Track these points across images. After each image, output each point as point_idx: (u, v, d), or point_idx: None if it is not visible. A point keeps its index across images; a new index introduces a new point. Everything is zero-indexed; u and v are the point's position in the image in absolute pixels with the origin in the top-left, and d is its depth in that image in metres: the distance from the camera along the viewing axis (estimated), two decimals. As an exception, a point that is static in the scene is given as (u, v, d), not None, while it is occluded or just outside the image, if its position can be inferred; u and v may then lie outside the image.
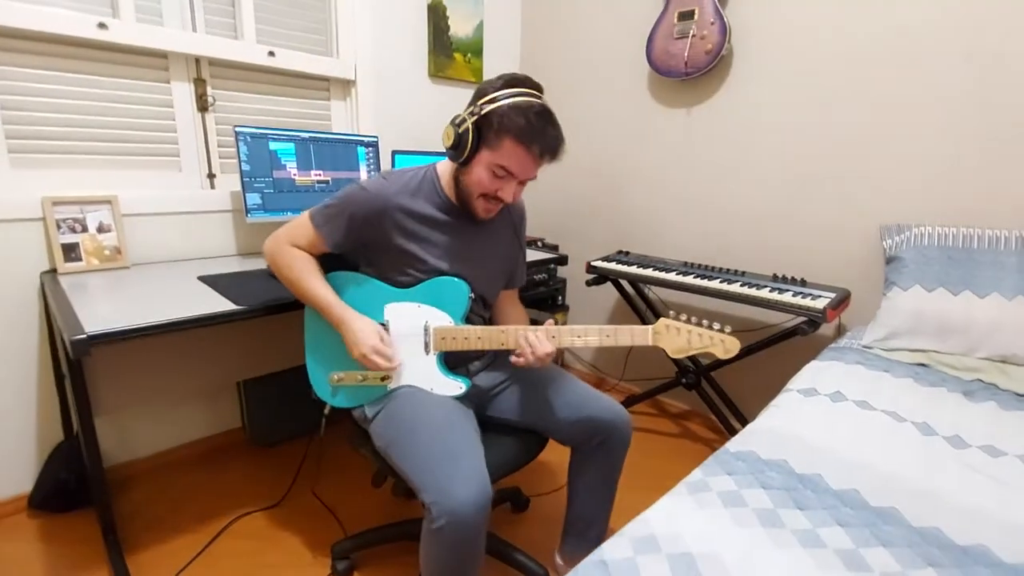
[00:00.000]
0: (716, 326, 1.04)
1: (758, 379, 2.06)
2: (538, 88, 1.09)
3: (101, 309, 1.23)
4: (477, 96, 1.09)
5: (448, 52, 2.39)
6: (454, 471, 0.96)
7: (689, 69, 1.97)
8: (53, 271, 1.53)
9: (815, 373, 1.29)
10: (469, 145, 1.07)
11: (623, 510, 1.32)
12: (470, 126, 1.06)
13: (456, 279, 1.18)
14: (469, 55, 2.46)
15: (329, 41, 2.09)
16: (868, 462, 0.90)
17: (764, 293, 1.64)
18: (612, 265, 2.02)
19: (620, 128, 2.34)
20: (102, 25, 1.56)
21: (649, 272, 1.91)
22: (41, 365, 1.59)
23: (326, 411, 1.25)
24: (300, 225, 1.20)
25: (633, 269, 1.95)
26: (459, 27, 2.39)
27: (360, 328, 1.13)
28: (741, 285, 1.72)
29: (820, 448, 0.94)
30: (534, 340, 1.10)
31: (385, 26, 2.18)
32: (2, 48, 1.46)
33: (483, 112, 1.05)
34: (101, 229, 1.60)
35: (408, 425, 1.08)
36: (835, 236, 1.82)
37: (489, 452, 1.17)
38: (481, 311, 1.31)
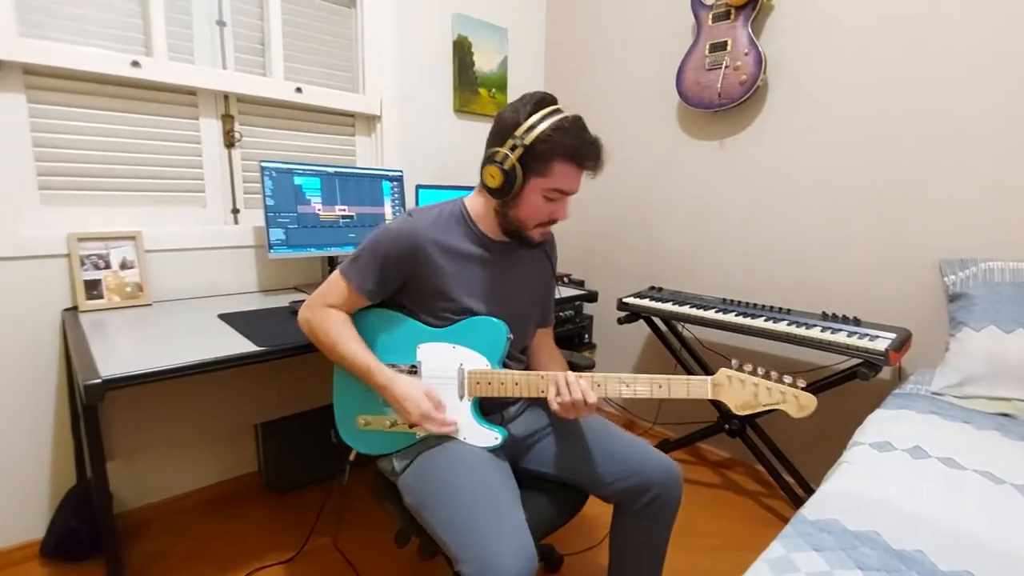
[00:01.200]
0: (787, 379, 0.93)
1: (807, 427, 1.92)
2: (554, 100, 1.06)
3: (118, 351, 1.17)
4: (508, 127, 1.03)
5: (473, 87, 2.38)
6: (496, 540, 0.86)
7: (722, 100, 1.91)
8: (75, 308, 1.49)
9: (885, 424, 1.17)
10: (518, 179, 1.02)
11: (664, 571, 1.19)
12: (515, 161, 1.01)
13: (494, 319, 1.10)
14: (494, 90, 2.44)
15: (356, 77, 2.09)
16: (973, 534, 0.77)
17: (815, 333, 1.52)
18: (645, 302, 1.92)
19: (650, 161, 2.28)
20: (135, 63, 1.56)
21: (686, 309, 1.81)
22: (59, 405, 1.54)
23: (352, 457, 1.16)
24: (332, 284, 1.12)
25: (668, 306, 1.86)
26: (484, 62, 2.39)
27: (405, 394, 1.04)
28: (788, 324, 1.60)
29: (914, 516, 0.82)
30: (586, 388, 1.00)
31: (411, 62, 2.17)
32: (37, 87, 1.46)
33: (527, 142, 1.00)
34: (124, 265, 1.57)
35: (443, 484, 0.98)
36: (888, 271, 1.70)
37: (524, 510, 1.07)
38: (519, 354, 1.22)
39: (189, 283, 1.72)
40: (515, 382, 1.05)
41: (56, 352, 1.51)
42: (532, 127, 1.00)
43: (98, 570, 1.47)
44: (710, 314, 1.75)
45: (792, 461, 1.84)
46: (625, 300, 1.97)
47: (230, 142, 1.82)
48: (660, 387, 0.98)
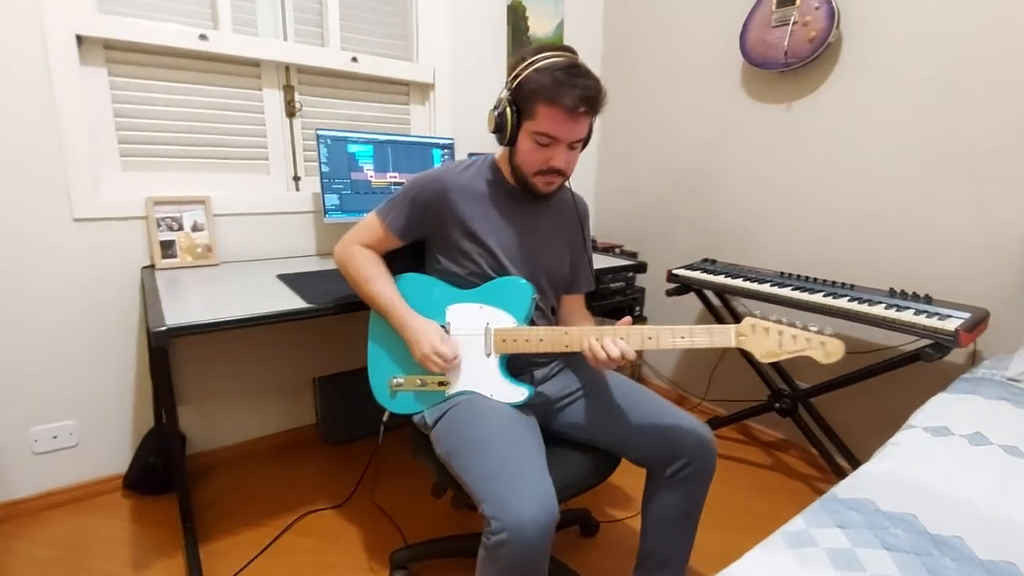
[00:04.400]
0: (813, 327, 0.89)
1: (868, 410, 1.81)
2: (568, 50, 1.06)
3: (186, 304, 1.28)
4: (508, 74, 1.07)
5: (528, 54, 2.33)
6: (518, 487, 0.89)
7: (789, 59, 1.78)
8: (152, 266, 1.64)
9: (945, 407, 1.08)
10: (509, 123, 1.06)
11: (699, 549, 1.18)
12: (506, 104, 1.05)
13: (519, 280, 1.13)
14: (549, 56, 2.39)
15: (410, 46, 2.11)
16: (1022, 524, 0.71)
17: (879, 310, 1.42)
18: (696, 274, 1.86)
19: (710, 126, 2.17)
20: (203, 36, 1.65)
21: (739, 283, 1.73)
22: (139, 354, 1.70)
23: (385, 417, 1.22)
24: (366, 222, 1.20)
25: (720, 279, 1.79)
26: (539, 26, 2.34)
27: (421, 329, 1.10)
28: (850, 300, 1.50)
29: (959, 502, 0.76)
30: (607, 346, 1.00)
31: (464, 28, 2.17)
32: (116, 61, 1.58)
33: (514, 86, 1.04)
34: (195, 228, 1.69)
35: (470, 434, 1.02)
36: (967, 246, 1.55)
37: (553, 470, 1.08)
38: (547, 313, 1.23)
39: (253, 245, 1.83)
40: (540, 338, 1.07)
41: (137, 305, 1.67)
42: (522, 71, 1.03)
43: (170, 504, 1.64)
44: (765, 288, 1.67)
45: (848, 445, 1.74)
46: (675, 271, 1.92)
47: (291, 112, 1.90)
48: (683, 338, 0.96)
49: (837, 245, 1.85)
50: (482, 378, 1.11)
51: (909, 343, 1.56)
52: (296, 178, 1.95)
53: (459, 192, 1.14)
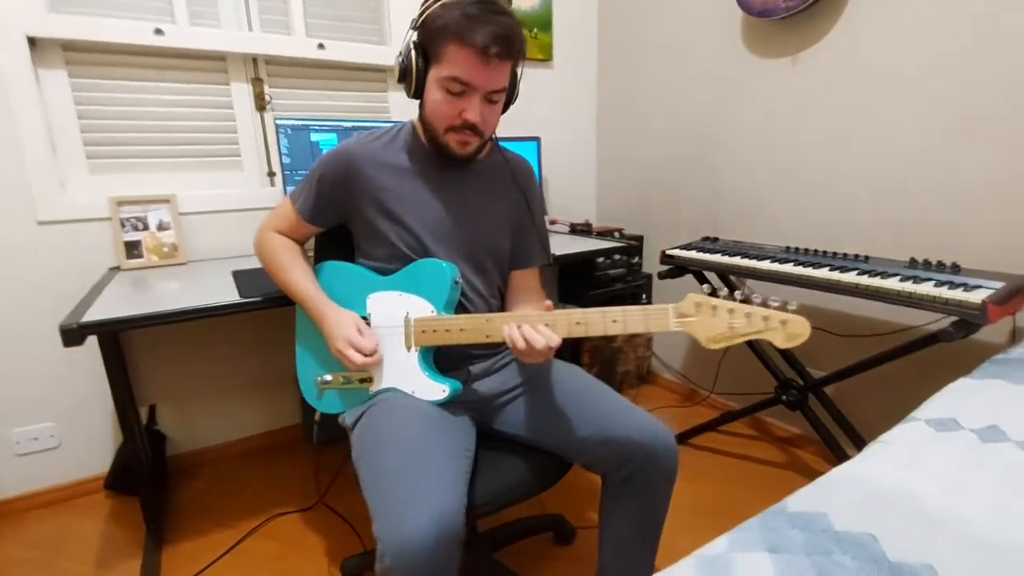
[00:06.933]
0: (774, 302, 0.72)
1: (890, 399, 1.57)
2: None
3: (122, 302, 1.23)
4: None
5: (513, 29, 2.20)
6: (411, 502, 0.77)
7: (790, 2, 1.57)
8: (118, 267, 1.62)
9: (960, 396, 0.89)
10: (414, 69, 0.91)
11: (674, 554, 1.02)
12: (411, 47, 0.91)
13: (437, 261, 1.00)
14: (536, 30, 2.25)
15: (383, 30, 2.02)
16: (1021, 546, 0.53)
17: (891, 283, 1.21)
18: (692, 254, 1.67)
19: (709, 90, 1.96)
20: (159, 31, 1.61)
21: (736, 260, 1.54)
22: (116, 356, 1.69)
23: (316, 417, 1.12)
24: (280, 207, 1.12)
25: (716, 258, 1.60)
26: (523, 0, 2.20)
27: (337, 321, 0.99)
28: (859, 274, 1.29)
29: (942, 519, 0.58)
30: (528, 335, 0.86)
31: (440, 6, 2.05)
32: (76, 62, 1.56)
33: (419, 25, 0.90)
34: (161, 227, 1.67)
35: (376, 439, 0.91)
36: (1003, 205, 1.30)
37: (492, 473, 0.98)
38: (487, 297, 1.09)
39: (226, 243, 1.79)
40: (460, 328, 0.94)
41: (106, 307, 1.66)
42: (428, 6, 0.89)
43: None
44: (764, 265, 1.47)
45: (867, 439, 1.51)
46: (669, 252, 1.74)
47: (261, 105, 1.85)
48: (615, 322, 0.81)
49: (854, 212, 1.62)
50: (403, 374, 1.00)
51: (932, 321, 1.33)
52: (271, 173, 1.90)
53: (368, 164, 1.02)
